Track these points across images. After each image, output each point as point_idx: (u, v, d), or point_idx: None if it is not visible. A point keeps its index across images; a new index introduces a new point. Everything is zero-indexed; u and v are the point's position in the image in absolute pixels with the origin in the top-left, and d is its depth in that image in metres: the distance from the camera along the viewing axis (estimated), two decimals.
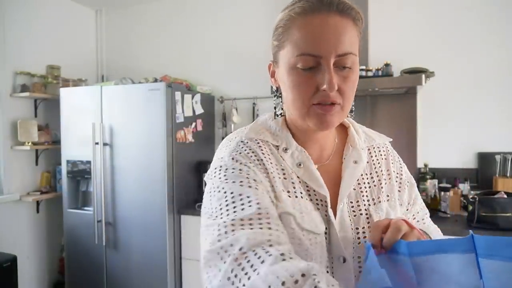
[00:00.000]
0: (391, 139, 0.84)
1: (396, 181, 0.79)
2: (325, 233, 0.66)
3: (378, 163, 0.78)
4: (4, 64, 2.80)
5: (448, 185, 2.37)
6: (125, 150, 2.64)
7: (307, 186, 0.69)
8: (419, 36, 2.62)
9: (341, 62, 0.62)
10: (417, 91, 2.57)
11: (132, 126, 2.62)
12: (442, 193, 2.33)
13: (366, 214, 0.71)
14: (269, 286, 0.46)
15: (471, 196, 2.10)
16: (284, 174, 0.69)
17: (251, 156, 0.68)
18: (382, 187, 0.76)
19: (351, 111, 0.74)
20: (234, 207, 0.59)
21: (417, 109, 2.61)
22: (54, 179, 3.13)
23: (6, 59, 2.81)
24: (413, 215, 0.83)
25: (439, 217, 2.25)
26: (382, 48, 2.65)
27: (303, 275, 0.47)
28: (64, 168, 2.86)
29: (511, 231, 1.94)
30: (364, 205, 0.72)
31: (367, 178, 0.75)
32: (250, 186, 0.62)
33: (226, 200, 0.61)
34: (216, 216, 0.60)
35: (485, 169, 2.49)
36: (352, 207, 0.71)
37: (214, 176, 0.67)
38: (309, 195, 0.69)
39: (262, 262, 0.50)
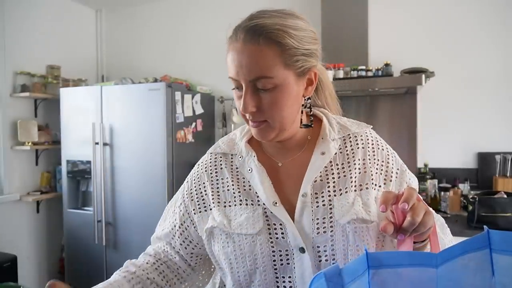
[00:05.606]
0: (371, 126, 0.82)
1: (383, 170, 0.77)
2: (268, 229, 0.72)
3: (352, 152, 0.77)
4: (4, 64, 2.79)
5: (448, 185, 2.37)
6: (125, 150, 2.64)
7: (255, 191, 0.77)
8: (419, 36, 2.62)
9: (258, 85, 0.68)
10: (417, 91, 2.56)
11: (132, 126, 2.62)
12: (442, 193, 2.33)
13: (330, 205, 0.72)
14: None
15: (471, 196, 2.10)
16: (227, 186, 0.80)
17: (194, 180, 0.85)
18: (352, 177, 0.74)
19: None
20: (164, 220, 0.94)
21: (417, 109, 2.61)
22: (54, 179, 3.13)
23: (6, 59, 2.80)
24: None
25: None
26: (382, 48, 2.65)
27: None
28: (64, 168, 2.86)
29: (511, 231, 1.94)
30: (329, 195, 0.73)
31: (337, 169, 0.75)
32: (174, 211, 0.89)
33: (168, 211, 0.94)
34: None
35: (485, 169, 2.49)
36: (317, 198, 0.73)
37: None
38: (257, 196, 0.76)
39: None
